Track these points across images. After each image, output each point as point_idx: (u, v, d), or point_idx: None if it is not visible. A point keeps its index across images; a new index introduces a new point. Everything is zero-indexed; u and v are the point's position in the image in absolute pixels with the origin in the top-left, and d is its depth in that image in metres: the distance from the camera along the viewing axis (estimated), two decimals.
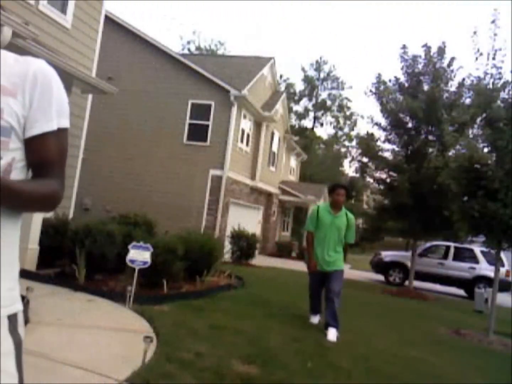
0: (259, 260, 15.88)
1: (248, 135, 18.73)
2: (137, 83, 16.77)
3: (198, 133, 16.69)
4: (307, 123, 48.16)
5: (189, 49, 43.64)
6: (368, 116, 15.05)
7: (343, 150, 45.57)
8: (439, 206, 12.37)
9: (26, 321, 4.54)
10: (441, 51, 13.82)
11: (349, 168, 34.31)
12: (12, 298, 1.20)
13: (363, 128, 66.94)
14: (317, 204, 7.40)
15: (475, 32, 9.39)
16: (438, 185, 11.63)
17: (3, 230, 1.15)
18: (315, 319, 6.78)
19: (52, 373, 3.45)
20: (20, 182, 1.16)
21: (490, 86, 9.15)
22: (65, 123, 1.26)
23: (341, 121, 48.40)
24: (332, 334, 5.98)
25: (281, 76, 45.09)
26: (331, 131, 49.30)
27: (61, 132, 1.24)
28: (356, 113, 47.14)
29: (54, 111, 1.22)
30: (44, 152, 1.21)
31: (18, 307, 1.23)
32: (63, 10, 8.71)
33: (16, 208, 1.17)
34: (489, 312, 9.03)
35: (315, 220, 6.47)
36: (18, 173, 1.19)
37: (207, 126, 16.71)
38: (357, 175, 16.05)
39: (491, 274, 12.82)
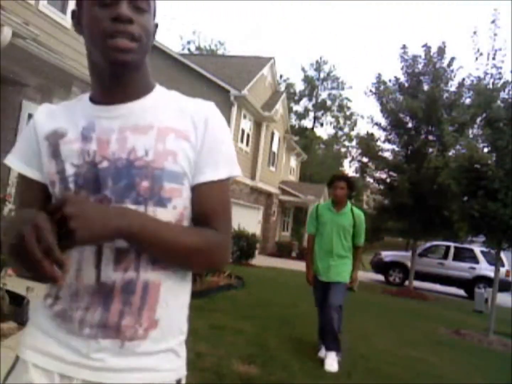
0: (259, 260, 15.88)
1: (248, 135, 18.72)
2: None
3: None
4: (307, 123, 48.19)
5: (189, 49, 43.67)
6: (368, 116, 15.07)
7: (343, 150, 45.62)
8: (439, 206, 12.38)
9: (26, 321, 4.54)
10: (441, 51, 13.83)
11: (349, 168, 34.32)
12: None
13: (363, 128, 67.00)
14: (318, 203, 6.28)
15: (475, 32, 9.40)
16: (438, 185, 11.63)
17: (165, 283, 1.05)
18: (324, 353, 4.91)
19: None
20: (161, 223, 1.03)
21: (490, 86, 9.16)
22: (236, 171, 1.14)
23: (341, 121, 48.41)
24: (331, 360, 4.70)
25: (281, 76, 45.13)
26: (331, 131, 49.37)
27: (226, 181, 1.13)
28: (356, 113, 47.16)
29: (224, 159, 1.12)
30: (209, 202, 1.10)
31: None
32: (63, 10, 8.71)
33: (155, 255, 1.04)
34: (489, 312, 9.03)
35: (315, 219, 5.19)
36: (187, 224, 1.10)
37: None
38: (357, 175, 16.05)
39: (491, 274, 12.82)
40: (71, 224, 0.88)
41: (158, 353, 1.05)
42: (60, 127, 1.11)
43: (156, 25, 1.19)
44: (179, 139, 1.07)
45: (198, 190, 1.09)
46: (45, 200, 1.11)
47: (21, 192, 1.19)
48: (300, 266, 12.76)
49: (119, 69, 1.06)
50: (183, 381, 1.11)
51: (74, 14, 1.16)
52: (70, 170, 1.07)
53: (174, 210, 1.05)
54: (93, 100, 1.13)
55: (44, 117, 1.16)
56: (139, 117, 1.09)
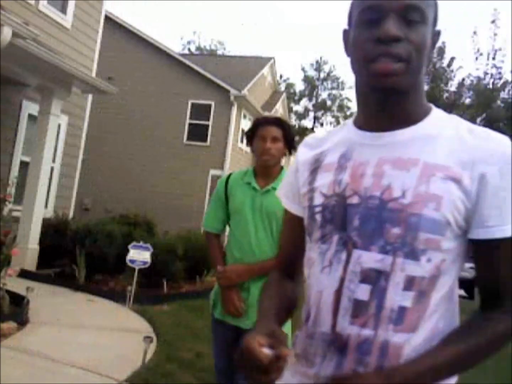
0: None
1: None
2: (137, 83, 16.77)
3: (198, 133, 16.69)
4: (307, 123, 48.15)
5: (189, 49, 43.66)
6: None
7: None
8: None
9: (26, 321, 4.54)
10: (441, 51, 13.84)
11: None
12: None
13: None
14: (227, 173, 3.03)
15: (475, 32, 9.41)
16: None
17: None
18: None
19: (52, 373, 3.45)
20: (433, 353, 0.88)
21: (490, 86, 9.17)
22: None
23: (341, 121, 48.38)
24: None
25: (281, 76, 45.12)
26: None
27: None
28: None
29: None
30: (493, 267, 0.93)
31: None
32: (63, 10, 8.71)
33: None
34: None
35: (222, 203, 2.60)
36: (447, 279, 0.95)
37: (207, 126, 16.72)
38: None
39: None
40: None
41: None
42: (322, 152, 1.05)
43: (439, 33, 1.04)
44: (447, 180, 0.88)
45: (481, 248, 0.93)
46: (303, 237, 1.06)
47: (283, 227, 1.20)
48: None
49: (383, 96, 0.93)
50: None
51: (345, 33, 1.03)
52: (318, 199, 0.99)
53: (428, 263, 0.89)
54: (356, 124, 1.03)
55: (307, 146, 1.11)
56: (403, 148, 0.93)
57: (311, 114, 48.31)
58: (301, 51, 70.06)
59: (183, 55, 21.54)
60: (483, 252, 0.94)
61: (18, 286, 4.98)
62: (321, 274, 0.96)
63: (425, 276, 0.89)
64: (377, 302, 0.89)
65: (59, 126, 7.90)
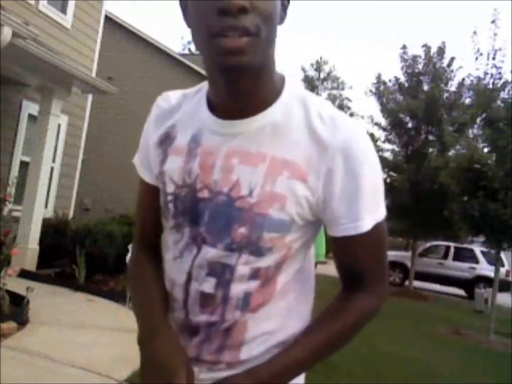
0: None
1: None
2: (137, 83, 16.77)
3: None
4: None
5: (189, 49, 43.68)
6: (368, 116, 15.07)
7: None
8: (439, 206, 12.37)
9: (26, 321, 4.54)
10: (441, 51, 13.83)
11: None
12: None
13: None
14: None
15: (475, 32, 9.41)
16: (438, 185, 11.63)
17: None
18: None
19: (52, 373, 3.45)
20: (290, 351, 0.89)
21: (490, 86, 9.17)
22: (377, 216, 0.88)
23: None
24: None
25: None
26: None
27: (378, 226, 0.89)
28: (356, 113, 47.17)
29: (365, 206, 0.86)
30: (353, 257, 0.91)
31: None
32: (63, 10, 8.71)
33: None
34: (489, 312, 9.03)
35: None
36: (294, 262, 0.92)
37: None
38: None
39: (491, 274, 12.82)
40: None
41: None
42: (173, 126, 0.96)
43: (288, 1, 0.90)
44: (292, 179, 0.85)
45: (341, 244, 0.91)
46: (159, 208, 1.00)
47: (139, 196, 1.11)
48: None
49: (230, 76, 0.82)
50: None
51: (181, 2, 0.90)
52: (170, 187, 0.94)
53: (274, 255, 0.88)
54: (209, 102, 0.93)
55: (161, 110, 1.01)
56: (252, 140, 0.87)
57: None
58: (301, 51, 70.12)
59: (183, 55, 21.54)
60: (341, 245, 0.91)
61: (18, 286, 4.98)
62: (173, 263, 0.96)
63: (270, 266, 0.89)
64: (222, 294, 0.90)
65: (59, 126, 7.90)
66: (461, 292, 16.59)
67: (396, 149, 14.67)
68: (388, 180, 14.72)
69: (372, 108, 52.81)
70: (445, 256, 16.86)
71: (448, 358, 6.28)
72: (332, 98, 48.06)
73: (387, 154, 14.86)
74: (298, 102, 0.89)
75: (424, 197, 12.97)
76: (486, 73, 9.28)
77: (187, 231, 0.92)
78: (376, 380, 4.66)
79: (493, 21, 9.14)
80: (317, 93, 48.03)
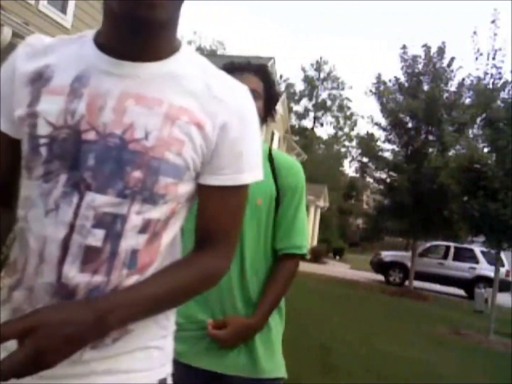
0: None
1: None
2: None
3: None
4: (307, 123, 48.19)
5: None
6: (368, 116, 15.10)
7: (343, 150, 45.65)
8: (439, 206, 12.39)
9: None
10: (441, 51, 13.85)
11: (349, 168, 34.42)
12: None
13: (363, 128, 67.04)
14: None
15: (475, 32, 9.42)
16: (438, 185, 11.65)
17: None
18: None
19: None
20: (134, 289, 0.84)
21: (490, 86, 9.18)
22: (257, 175, 0.94)
23: (341, 121, 48.40)
24: None
25: (281, 76, 45.12)
26: (331, 131, 49.34)
27: (246, 188, 0.93)
28: (356, 113, 47.18)
29: (247, 161, 0.91)
30: (215, 215, 0.92)
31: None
32: (63, 10, 8.71)
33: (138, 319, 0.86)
34: (489, 312, 9.04)
35: None
36: (177, 221, 0.91)
37: None
38: (357, 175, 16.08)
39: (491, 274, 12.83)
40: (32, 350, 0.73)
41: (131, 352, 0.88)
42: (47, 66, 0.87)
43: None
44: (190, 124, 0.86)
45: (209, 193, 0.91)
46: (15, 160, 0.89)
47: None
48: (301, 265, 12.78)
49: (135, 26, 0.82)
50: (169, 380, 0.95)
51: None
52: (44, 129, 0.84)
53: (165, 206, 0.86)
54: (98, 44, 0.88)
55: (28, 50, 0.91)
56: (147, 85, 0.86)
57: (311, 114, 48.32)
58: (301, 51, 70.16)
59: None
60: (209, 198, 0.92)
61: None
62: (45, 219, 0.84)
63: (160, 219, 0.86)
64: (111, 248, 0.83)
65: None
66: (461, 292, 16.60)
67: (396, 149, 14.68)
68: (388, 180, 14.73)
69: (372, 108, 52.86)
70: (445, 256, 16.87)
71: (448, 358, 6.28)
72: (332, 98, 48.07)
73: (387, 154, 14.89)
74: (196, 60, 0.93)
75: (424, 197, 12.98)
76: (486, 73, 9.29)
77: (63, 178, 0.83)
78: (376, 380, 4.67)
79: (493, 21, 9.16)
80: (317, 93, 48.03)
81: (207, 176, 0.89)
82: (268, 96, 1.60)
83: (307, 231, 1.70)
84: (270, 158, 1.63)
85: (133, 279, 0.85)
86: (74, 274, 0.82)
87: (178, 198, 0.88)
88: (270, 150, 1.66)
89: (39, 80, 0.87)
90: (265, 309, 1.56)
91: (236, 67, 1.59)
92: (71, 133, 0.83)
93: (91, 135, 0.82)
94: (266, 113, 1.64)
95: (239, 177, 0.90)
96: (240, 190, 0.92)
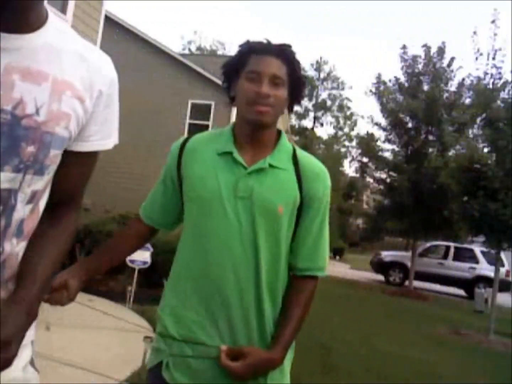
0: None
1: None
2: (137, 83, 16.78)
3: (198, 133, 16.71)
4: (307, 123, 48.17)
5: (189, 49, 43.68)
6: (368, 116, 15.10)
7: (343, 150, 45.63)
8: (439, 206, 12.38)
9: None
10: (441, 51, 13.84)
11: (349, 168, 34.38)
12: None
13: (363, 128, 67.03)
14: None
15: (475, 32, 9.42)
16: (438, 185, 11.64)
17: None
18: None
19: (52, 373, 3.45)
20: (32, 280, 0.91)
21: (490, 86, 9.17)
22: (116, 139, 1.03)
23: (341, 121, 48.41)
24: None
25: None
26: (331, 131, 49.32)
27: (98, 153, 1.02)
28: (356, 113, 47.17)
29: (113, 127, 0.99)
30: (82, 175, 1.00)
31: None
32: (63, 10, 8.71)
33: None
34: (489, 312, 9.03)
35: (171, 186, 1.49)
36: (47, 192, 0.96)
37: (207, 126, 16.73)
38: (357, 175, 16.07)
39: (491, 274, 12.82)
40: None
41: None
42: None
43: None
44: (74, 98, 0.89)
45: (76, 158, 0.95)
46: None
47: None
48: None
49: None
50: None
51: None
52: None
53: (47, 176, 0.91)
54: None
55: None
56: (32, 57, 0.84)
57: (311, 114, 48.30)
58: (301, 51, 70.05)
59: (183, 55, 21.55)
60: (76, 162, 0.97)
61: None
62: None
63: (43, 188, 0.92)
64: (5, 221, 0.86)
65: None
66: (461, 292, 16.59)
67: (396, 149, 14.67)
68: (388, 180, 14.72)
69: (372, 108, 52.78)
70: (445, 256, 16.87)
71: (448, 358, 6.28)
72: (332, 98, 48.06)
73: (387, 154, 14.88)
74: (65, 30, 0.94)
75: (424, 197, 12.98)
76: (486, 73, 9.29)
77: None
78: (376, 380, 4.66)
79: (493, 21, 9.15)
80: (317, 93, 48.02)
81: (78, 143, 0.95)
82: (292, 81, 1.35)
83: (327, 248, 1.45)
84: (294, 159, 1.38)
85: (21, 246, 0.91)
86: None
87: (55, 168, 0.93)
88: (294, 150, 1.41)
89: None
90: (287, 340, 1.34)
91: (253, 49, 1.36)
92: None
93: None
94: (292, 101, 1.41)
95: (106, 143, 0.98)
96: (98, 154, 1.00)
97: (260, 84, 1.30)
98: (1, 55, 0.81)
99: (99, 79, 0.93)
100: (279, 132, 1.44)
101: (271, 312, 1.34)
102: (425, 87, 13.80)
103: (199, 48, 44.47)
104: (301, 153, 1.41)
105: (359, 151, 15.61)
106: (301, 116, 48.03)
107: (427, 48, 13.87)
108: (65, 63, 0.89)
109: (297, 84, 1.38)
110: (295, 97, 1.41)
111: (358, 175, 16.25)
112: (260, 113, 1.30)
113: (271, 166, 1.34)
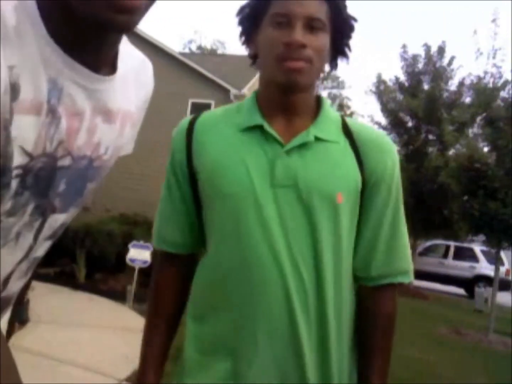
0: None
1: None
2: None
3: None
4: None
5: (190, 48, 43.67)
6: (368, 115, 15.11)
7: None
8: (439, 206, 12.39)
9: (26, 320, 4.55)
10: (441, 50, 13.85)
11: None
12: None
13: None
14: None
15: (475, 32, 9.42)
16: (438, 185, 11.65)
17: None
18: None
19: (52, 372, 3.45)
20: None
21: (490, 85, 9.18)
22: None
23: None
24: None
25: None
26: None
27: None
28: (356, 113, 47.15)
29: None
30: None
31: None
32: None
33: None
34: (489, 311, 9.03)
35: (184, 189, 1.06)
36: None
37: None
38: None
39: (491, 273, 12.83)
40: None
41: None
42: (14, 67, 0.60)
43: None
44: (132, 128, 0.85)
45: None
46: None
47: None
48: None
49: (111, 32, 0.69)
50: None
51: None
52: (19, 159, 0.64)
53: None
54: (55, 34, 0.64)
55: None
56: (111, 95, 0.75)
57: None
58: None
59: (183, 54, 21.54)
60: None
61: None
62: (2, 249, 0.72)
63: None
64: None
65: None
66: (461, 291, 16.60)
67: (396, 148, 14.66)
68: None
69: (372, 107, 52.85)
70: (445, 255, 16.87)
71: (448, 358, 6.28)
72: (332, 97, 48.09)
73: None
74: (124, 46, 0.84)
75: (424, 196, 12.98)
76: (486, 72, 9.30)
77: (30, 209, 0.71)
78: None
79: (493, 21, 9.17)
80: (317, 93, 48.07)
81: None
82: (337, 24, 1.01)
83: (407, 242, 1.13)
84: (345, 129, 1.02)
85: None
86: (14, 284, 0.82)
87: None
88: (344, 120, 1.05)
89: (13, 89, 0.61)
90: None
91: None
92: (48, 161, 0.69)
93: (66, 161, 0.72)
94: (336, 51, 1.06)
95: (130, 147, 0.92)
96: None
97: (292, 30, 0.92)
98: (88, 97, 0.71)
99: (147, 94, 0.89)
100: (318, 99, 1.08)
101: (337, 338, 0.96)
102: (425, 87, 13.80)
103: (199, 48, 44.46)
104: (353, 122, 1.06)
105: None
106: None
107: (427, 47, 13.87)
108: (130, 91, 0.81)
109: (343, 27, 1.03)
110: (340, 46, 1.05)
111: None
112: (292, 70, 0.93)
113: (317, 139, 0.97)
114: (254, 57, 1.04)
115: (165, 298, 1.07)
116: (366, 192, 0.99)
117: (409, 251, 1.12)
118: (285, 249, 0.92)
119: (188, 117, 1.09)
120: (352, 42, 1.05)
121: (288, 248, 0.92)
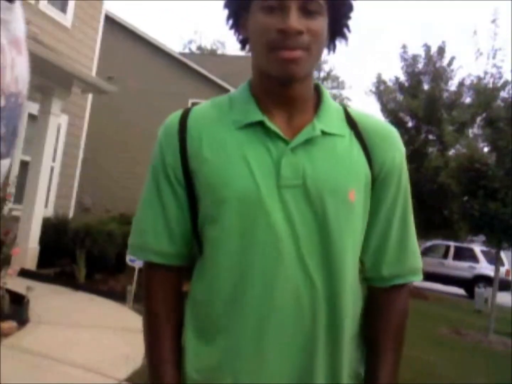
0: None
1: None
2: (137, 83, 16.77)
3: None
4: None
5: (190, 49, 43.66)
6: None
7: None
8: (439, 206, 12.38)
9: (26, 320, 4.55)
10: (441, 50, 13.85)
11: None
12: None
13: None
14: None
15: (475, 32, 9.42)
16: (438, 185, 11.64)
17: None
18: None
19: (52, 372, 3.45)
20: None
21: (490, 85, 9.17)
22: None
23: None
24: None
25: None
26: None
27: None
28: None
29: None
30: None
31: None
32: (63, 9, 8.70)
33: None
34: (489, 311, 9.03)
35: (178, 189, 0.93)
36: None
37: None
38: None
39: (491, 273, 12.82)
40: None
41: None
42: None
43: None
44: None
45: None
46: None
47: None
48: None
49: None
50: None
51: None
52: None
53: None
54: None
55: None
56: (18, 23, 0.78)
57: None
58: None
59: (183, 54, 21.54)
60: None
61: (18, 285, 4.98)
62: None
63: None
64: None
65: (59, 125, 7.90)
66: (461, 291, 16.59)
67: None
68: None
69: (372, 107, 52.82)
70: (445, 256, 16.87)
71: (448, 358, 6.28)
72: (332, 98, 48.02)
73: None
74: None
75: (424, 196, 12.97)
76: (486, 73, 9.29)
77: None
78: None
79: (493, 21, 9.16)
80: None
81: None
82: (334, 5, 0.90)
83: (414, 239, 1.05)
84: (349, 120, 0.95)
85: None
86: None
87: None
88: (346, 110, 0.98)
89: None
90: None
91: None
92: None
93: (1, 102, 0.71)
94: (334, 34, 0.95)
95: None
96: None
97: (286, 15, 0.82)
98: (4, 29, 0.69)
99: None
100: (316, 87, 0.98)
101: (349, 341, 0.93)
102: (425, 87, 13.81)
103: (199, 48, 44.45)
104: (356, 111, 0.99)
105: None
106: None
107: (427, 47, 13.88)
108: None
109: (342, 7, 0.92)
110: (338, 28, 0.94)
111: None
112: (288, 61, 0.84)
113: (323, 133, 0.90)
114: (243, 42, 0.95)
115: (163, 312, 1.00)
116: (375, 187, 0.94)
117: (418, 249, 1.04)
118: (295, 255, 0.85)
119: (176, 114, 0.96)
120: (351, 23, 0.95)
121: (298, 257, 0.85)
